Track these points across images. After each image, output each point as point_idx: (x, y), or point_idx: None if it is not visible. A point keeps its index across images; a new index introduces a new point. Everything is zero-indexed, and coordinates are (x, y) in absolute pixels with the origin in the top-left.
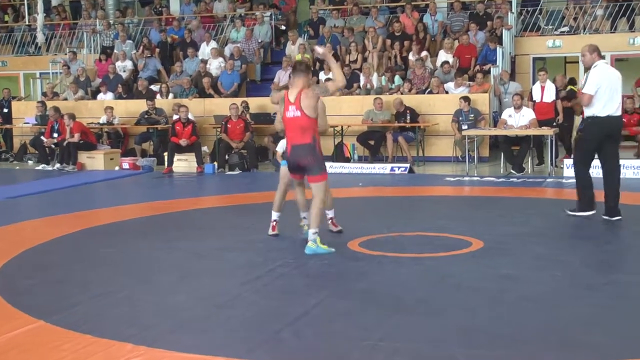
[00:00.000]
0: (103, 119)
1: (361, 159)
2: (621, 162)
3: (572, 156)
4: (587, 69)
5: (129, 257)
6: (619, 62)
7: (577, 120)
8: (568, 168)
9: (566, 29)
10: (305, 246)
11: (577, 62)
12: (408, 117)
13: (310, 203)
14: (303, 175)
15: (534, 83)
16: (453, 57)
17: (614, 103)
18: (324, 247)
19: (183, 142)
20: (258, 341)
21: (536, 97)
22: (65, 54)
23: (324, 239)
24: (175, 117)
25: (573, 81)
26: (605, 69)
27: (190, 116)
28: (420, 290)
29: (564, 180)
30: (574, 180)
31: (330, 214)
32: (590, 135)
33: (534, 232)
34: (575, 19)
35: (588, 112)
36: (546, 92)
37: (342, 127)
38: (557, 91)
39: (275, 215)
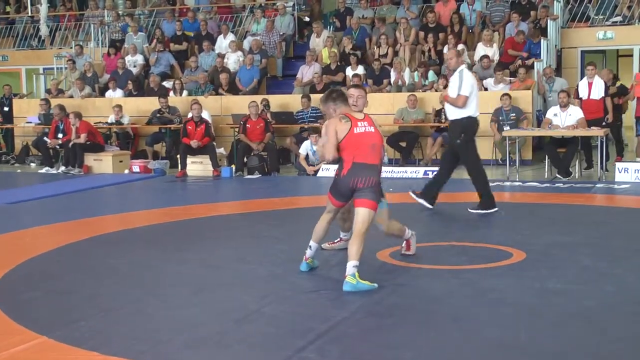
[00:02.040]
0: (111, 118)
1: (392, 162)
2: None
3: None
4: (451, 71)
5: (138, 268)
6: None
7: (627, 118)
8: (620, 172)
9: (619, 18)
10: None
11: (632, 55)
12: (444, 116)
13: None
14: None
15: (581, 79)
16: (500, 48)
17: (478, 105)
18: (366, 282)
19: (194, 143)
20: (279, 359)
21: (583, 94)
22: (71, 48)
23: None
24: (189, 115)
25: (615, 76)
26: (470, 73)
27: (204, 115)
28: (456, 305)
29: (615, 186)
30: (627, 186)
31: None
32: (472, 135)
33: (581, 242)
34: (629, 7)
35: (462, 113)
36: (594, 88)
37: None
38: (606, 87)
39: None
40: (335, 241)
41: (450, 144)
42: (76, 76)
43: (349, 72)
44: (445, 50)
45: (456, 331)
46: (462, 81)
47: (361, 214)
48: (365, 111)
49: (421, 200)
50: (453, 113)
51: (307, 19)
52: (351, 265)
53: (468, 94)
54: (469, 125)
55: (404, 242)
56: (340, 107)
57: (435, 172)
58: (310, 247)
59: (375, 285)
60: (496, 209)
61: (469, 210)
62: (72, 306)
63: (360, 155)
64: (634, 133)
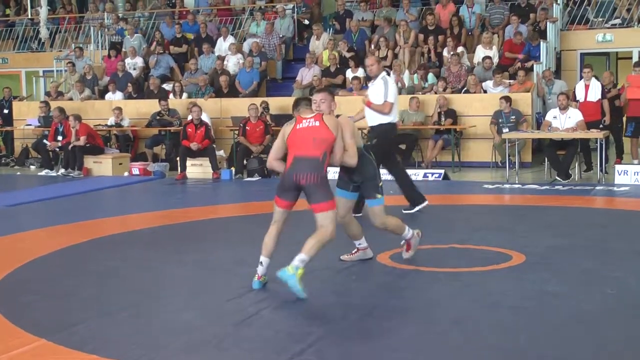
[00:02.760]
0: (111, 120)
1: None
2: None
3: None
4: (371, 78)
5: (137, 271)
6: None
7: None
8: (620, 175)
9: (618, 21)
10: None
11: (630, 57)
12: (443, 119)
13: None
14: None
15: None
16: (499, 51)
17: (397, 111)
18: (300, 286)
19: (194, 145)
20: None
21: (580, 96)
22: (71, 50)
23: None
24: (189, 118)
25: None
26: (393, 79)
27: (204, 117)
28: (456, 308)
29: (615, 188)
30: (626, 189)
31: (362, 243)
32: (392, 140)
33: (581, 245)
34: (628, 10)
35: (383, 119)
36: (590, 90)
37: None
38: (604, 90)
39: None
40: (353, 252)
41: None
42: (76, 79)
43: (349, 74)
44: (445, 52)
45: (456, 334)
46: (387, 88)
47: (321, 220)
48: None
49: (416, 208)
50: (374, 119)
51: (306, 21)
52: (299, 259)
53: (394, 100)
54: (390, 130)
55: (404, 241)
56: (302, 113)
57: (397, 182)
58: (261, 263)
59: (305, 296)
60: (427, 201)
61: (403, 211)
62: (71, 309)
63: (300, 149)
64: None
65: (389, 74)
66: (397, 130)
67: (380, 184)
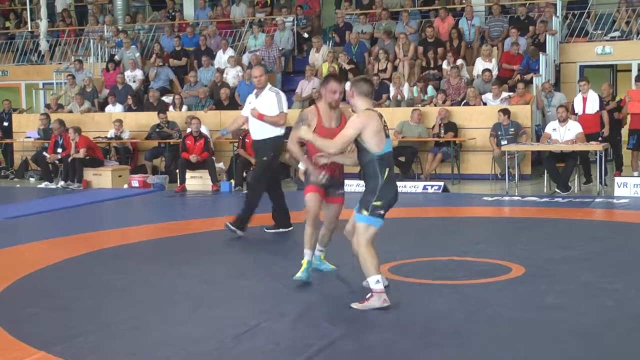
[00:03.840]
0: (111, 132)
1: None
2: None
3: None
4: (260, 89)
5: (137, 284)
6: None
7: (627, 134)
8: (619, 187)
9: (617, 33)
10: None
11: (630, 70)
12: (443, 131)
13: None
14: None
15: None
16: (499, 62)
17: None
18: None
19: (193, 157)
20: None
21: (578, 109)
22: (71, 63)
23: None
24: (188, 130)
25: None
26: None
27: (203, 130)
28: (455, 320)
29: (614, 201)
30: (626, 201)
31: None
32: (279, 155)
33: (581, 257)
34: (627, 22)
35: (273, 132)
36: (589, 103)
37: None
38: (602, 102)
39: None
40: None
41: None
42: (76, 91)
43: (348, 87)
44: (444, 65)
45: (455, 346)
46: (280, 99)
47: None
48: None
49: (279, 230)
50: (263, 132)
51: (306, 34)
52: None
53: (287, 111)
54: (280, 144)
55: (370, 293)
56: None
57: (273, 201)
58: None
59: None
60: (245, 232)
61: (265, 230)
62: (70, 322)
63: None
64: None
65: (471, 82)
66: (283, 144)
67: (377, 204)
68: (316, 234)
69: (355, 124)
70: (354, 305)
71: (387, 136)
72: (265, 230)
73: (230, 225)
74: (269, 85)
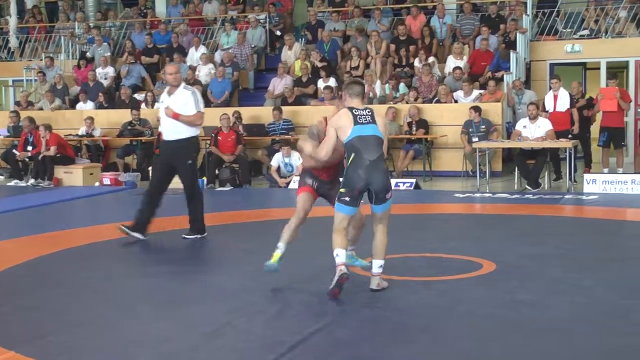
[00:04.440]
0: (82, 130)
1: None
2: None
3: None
4: (174, 87)
5: (108, 282)
6: None
7: (595, 131)
8: (588, 183)
9: (586, 32)
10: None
11: (598, 68)
12: (415, 128)
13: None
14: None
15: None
16: (467, 63)
17: None
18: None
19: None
20: None
21: (549, 106)
22: (41, 60)
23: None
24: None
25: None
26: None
27: None
28: (427, 317)
29: (584, 197)
30: (595, 197)
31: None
32: (197, 155)
33: (551, 253)
34: (596, 21)
35: (189, 132)
36: (559, 101)
37: None
38: (573, 100)
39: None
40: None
41: (166, 163)
42: (46, 88)
43: (321, 84)
44: (416, 63)
45: (428, 343)
46: (197, 97)
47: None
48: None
49: (135, 234)
50: (178, 132)
51: (278, 32)
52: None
53: (204, 110)
54: (197, 144)
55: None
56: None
57: (144, 201)
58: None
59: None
60: (206, 233)
61: (184, 236)
62: (40, 321)
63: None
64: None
65: (442, 80)
66: (199, 144)
67: (342, 190)
68: (296, 233)
69: (329, 125)
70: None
71: (357, 124)
72: (183, 236)
73: (190, 236)
74: (183, 84)
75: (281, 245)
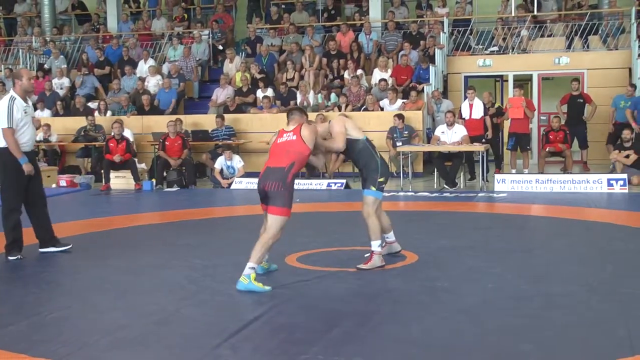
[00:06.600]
0: (40, 136)
1: (298, 175)
2: (550, 176)
3: (487, 172)
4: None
5: (66, 276)
6: (545, 80)
7: (506, 136)
8: (499, 183)
9: (495, 48)
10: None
11: (507, 80)
12: None
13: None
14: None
15: (464, 101)
16: (390, 77)
17: None
18: (259, 284)
19: (117, 157)
20: (195, 357)
21: (465, 114)
22: (0, 71)
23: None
24: (112, 134)
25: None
26: None
27: (126, 133)
28: (356, 303)
29: (494, 195)
30: (504, 195)
31: (390, 237)
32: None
33: (466, 245)
34: (504, 39)
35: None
36: (474, 109)
37: None
38: (486, 108)
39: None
40: (383, 245)
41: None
42: None
43: (260, 94)
44: (346, 74)
45: (358, 327)
46: (10, 111)
47: (269, 221)
48: (273, 129)
49: (56, 249)
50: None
51: (221, 46)
52: (248, 267)
53: (16, 125)
54: (10, 156)
55: (369, 254)
56: (287, 126)
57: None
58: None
59: (268, 288)
60: (20, 255)
61: (39, 250)
62: (1, 313)
63: (273, 161)
64: (506, 147)
65: (369, 90)
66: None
67: (381, 180)
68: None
69: (338, 122)
70: (360, 266)
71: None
72: (40, 249)
73: (47, 250)
74: (11, 95)
75: (256, 267)
